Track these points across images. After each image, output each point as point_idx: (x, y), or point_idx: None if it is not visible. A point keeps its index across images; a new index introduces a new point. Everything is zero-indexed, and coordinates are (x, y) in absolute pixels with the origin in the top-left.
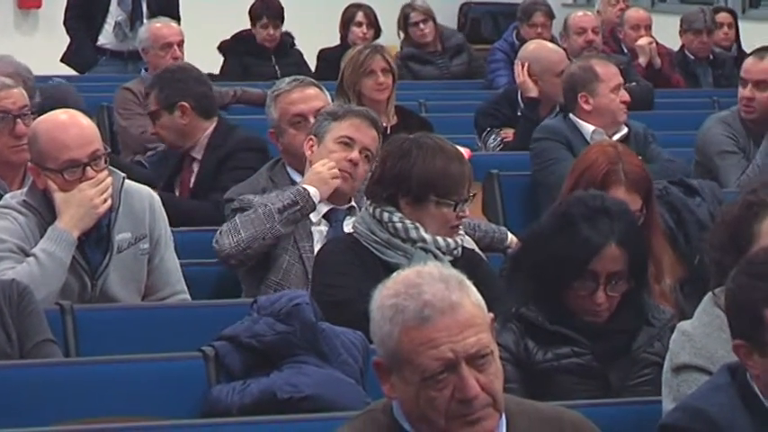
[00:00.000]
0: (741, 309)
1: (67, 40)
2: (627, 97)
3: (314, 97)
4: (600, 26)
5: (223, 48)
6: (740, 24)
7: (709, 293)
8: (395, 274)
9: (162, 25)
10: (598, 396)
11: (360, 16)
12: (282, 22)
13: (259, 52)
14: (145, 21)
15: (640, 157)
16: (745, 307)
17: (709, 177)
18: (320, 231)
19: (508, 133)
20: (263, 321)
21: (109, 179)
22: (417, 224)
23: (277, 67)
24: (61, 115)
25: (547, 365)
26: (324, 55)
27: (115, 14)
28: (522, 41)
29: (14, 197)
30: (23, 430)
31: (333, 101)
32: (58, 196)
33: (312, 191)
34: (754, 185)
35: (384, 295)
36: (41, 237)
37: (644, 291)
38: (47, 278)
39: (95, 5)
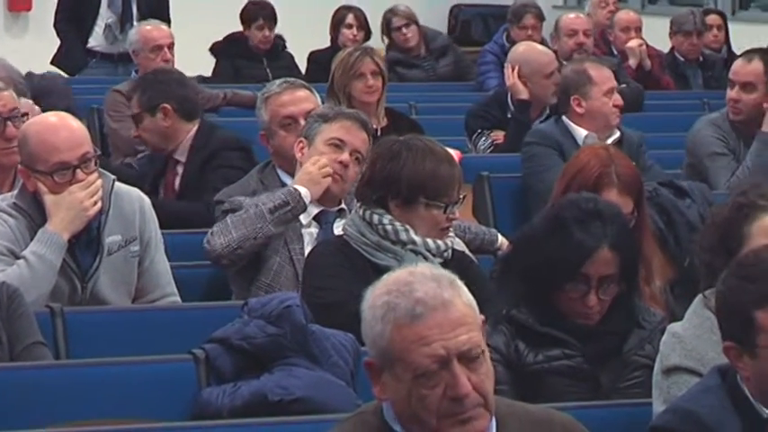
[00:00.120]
0: (731, 311)
1: (57, 42)
2: (620, 101)
3: (304, 99)
4: (591, 29)
5: (215, 50)
6: (730, 26)
7: (700, 295)
8: (385, 275)
9: (152, 28)
10: (588, 398)
11: (350, 18)
12: (276, 23)
13: (251, 55)
14: (135, 23)
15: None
16: (735, 309)
17: (699, 179)
18: (311, 233)
19: (498, 135)
20: (254, 324)
21: (99, 181)
22: (407, 226)
23: (268, 70)
24: (51, 118)
25: (537, 367)
26: (314, 57)
27: (105, 17)
28: (513, 43)
29: (4, 200)
30: None
31: (323, 103)
32: (48, 199)
33: (303, 191)
34: (744, 187)
35: (376, 294)
36: (31, 239)
37: (635, 293)
38: (37, 281)
39: (85, 8)
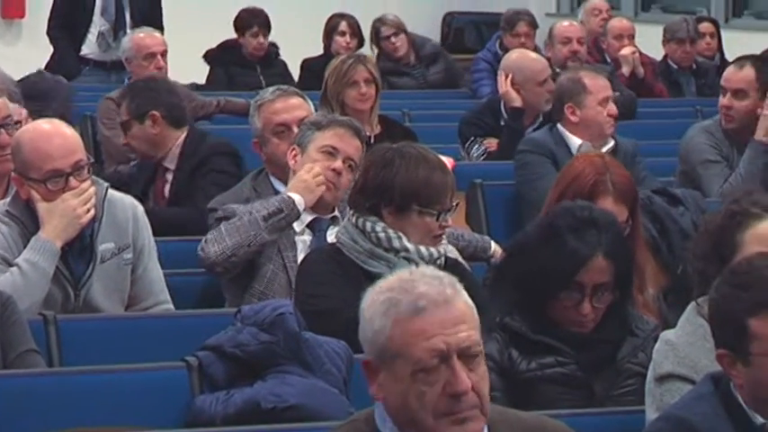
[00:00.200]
0: (724, 318)
1: (51, 49)
2: (615, 111)
3: (297, 107)
4: (585, 36)
5: (208, 57)
6: (723, 34)
7: (693, 303)
8: (381, 279)
9: (145, 35)
10: (582, 406)
11: (343, 26)
12: (270, 30)
13: (244, 62)
14: (128, 31)
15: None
16: (728, 317)
17: (692, 186)
18: (304, 241)
19: (491, 143)
20: (247, 331)
21: (92, 189)
22: (400, 234)
23: (262, 78)
24: (44, 125)
25: (531, 375)
26: (307, 65)
27: (98, 24)
28: (506, 51)
29: None
30: None
31: (316, 110)
32: (42, 206)
33: (297, 198)
34: (737, 195)
35: (376, 292)
36: (24, 247)
37: (628, 301)
38: (30, 288)
39: (79, 15)
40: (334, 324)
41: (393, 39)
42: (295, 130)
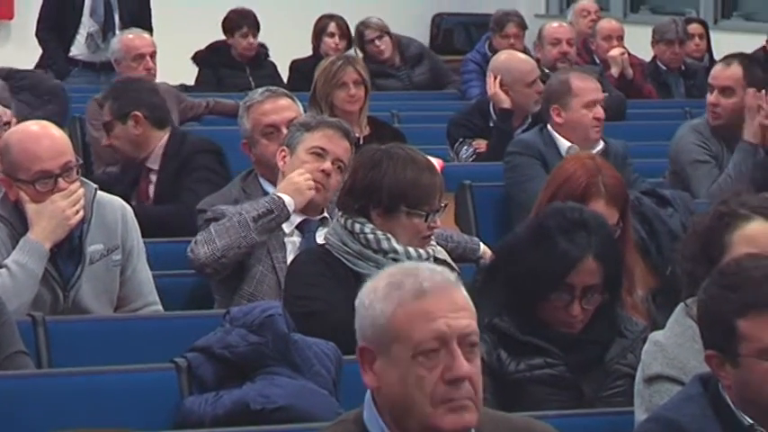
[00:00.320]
0: (713, 320)
1: (40, 51)
2: (601, 114)
3: (286, 108)
4: (574, 38)
5: (197, 58)
6: (712, 35)
7: (681, 304)
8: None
9: (134, 36)
10: (571, 407)
11: (332, 27)
12: (259, 31)
13: (233, 63)
14: (117, 32)
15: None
16: (717, 318)
17: (682, 186)
18: (293, 242)
19: (481, 144)
20: (236, 332)
21: (81, 190)
22: (389, 235)
23: (251, 79)
24: (33, 126)
25: (519, 376)
26: (296, 66)
27: (87, 25)
28: (495, 52)
29: None
30: None
31: (305, 112)
32: (30, 208)
33: (287, 199)
34: (726, 196)
35: (377, 279)
36: (13, 248)
37: (617, 303)
38: (19, 290)
39: (68, 17)
40: (323, 325)
41: (377, 42)
42: (284, 131)
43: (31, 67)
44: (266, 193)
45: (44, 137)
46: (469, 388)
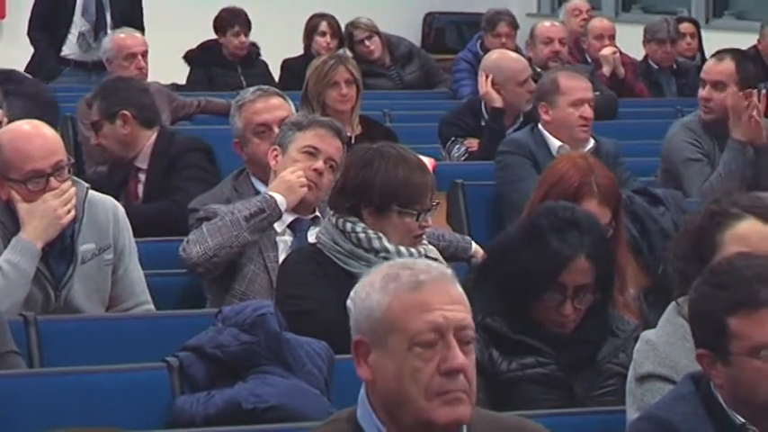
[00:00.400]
0: (704, 318)
1: (31, 50)
2: (588, 113)
3: (278, 107)
4: (566, 37)
5: (189, 58)
6: (703, 34)
7: (673, 303)
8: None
9: (126, 36)
10: (562, 406)
11: (323, 26)
12: (250, 29)
13: (225, 63)
14: (109, 31)
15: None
16: (708, 316)
17: (674, 184)
18: (285, 241)
19: (472, 143)
20: (228, 332)
21: (72, 190)
22: (380, 234)
23: (242, 78)
24: (24, 126)
25: (511, 375)
26: (287, 65)
27: (79, 25)
28: (487, 51)
29: None
30: None
31: (297, 111)
32: (22, 207)
33: (279, 198)
34: (717, 195)
35: (374, 273)
36: (5, 248)
37: (609, 302)
38: (10, 289)
39: (59, 16)
40: (314, 325)
41: (367, 42)
42: (276, 130)
43: (22, 66)
44: (258, 193)
45: (36, 136)
46: (464, 381)
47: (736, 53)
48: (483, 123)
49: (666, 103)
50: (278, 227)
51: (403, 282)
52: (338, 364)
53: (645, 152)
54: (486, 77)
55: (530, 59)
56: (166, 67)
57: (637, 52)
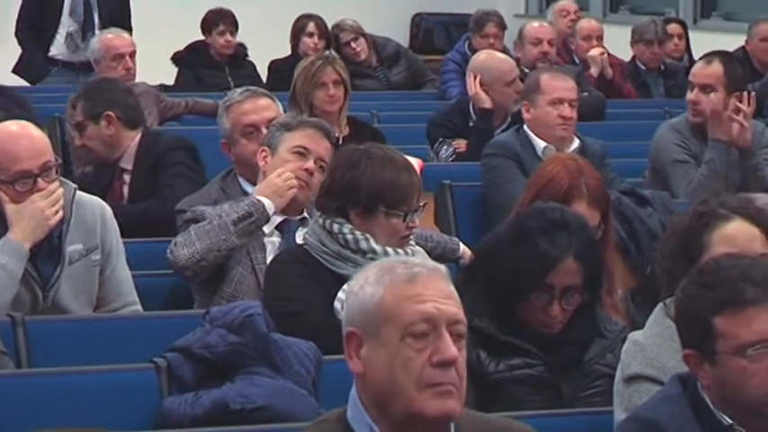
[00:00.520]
0: (691, 319)
1: (19, 50)
2: (567, 113)
3: (266, 108)
4: (555, 38)
5: (177, 59)
6: (691, 35)
7: (661, 304)
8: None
9: (114, 36)
10: (550, 407)
11: (311, 27)
12: (237, 29)
13: (212, 63)
14: (97, 31)
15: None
16: (694, 316)
17: (662, 185)
18: (273, 242)
19: (461, 144)
20: (216, 332)
21: (60, 190)
22: (367, 235)
23: (230, 79)
24: (12, 126)
25: (499, 376)
26: (275, 66)
27: (67, 25)
28: (475, 52)
29: None
30: None
31: (285, 112)
32: (10, 208)
33: (267, 202)
34: (705, 196)
35: (368, 269)
36: None
37: (597, 303)
38: None
39: (47, 16)
40: (302, 326)
41: (353, 44)
42: (264, 130)
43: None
44: (246, 193)
45: (23, 137)
46: (455, 375)
47: (724, 56)
48: (471, 124)
49: (654, 104)
50: (266, 228)
51: (397, 274)
52: (326, 365)
53: (633, 153)
54: (475, 78)
55: (518, 60)
56: (154, 67)
57: (624, 53)
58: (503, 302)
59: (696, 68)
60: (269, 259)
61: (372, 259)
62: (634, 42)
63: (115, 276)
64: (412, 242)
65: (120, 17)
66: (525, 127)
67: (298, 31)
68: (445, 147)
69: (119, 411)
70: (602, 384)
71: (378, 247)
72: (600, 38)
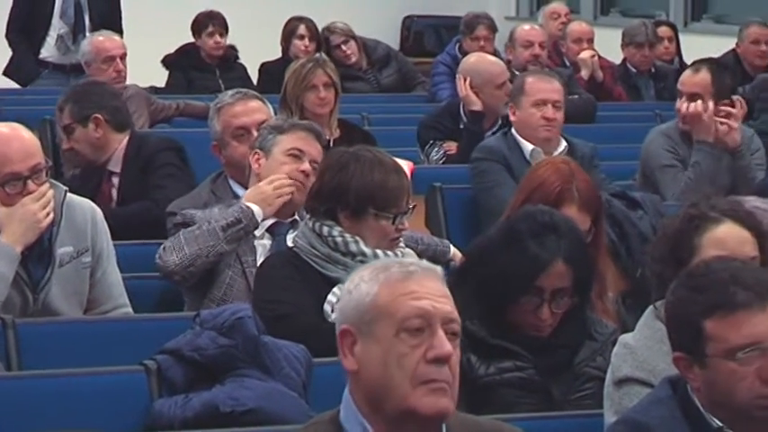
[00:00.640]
0: (681, 321)
1: (9, 53)
2: (550, 114)
3: (257, 110)
4: (546, 40)
5: (167, 61)
6: (681, 38)
7: (651, 307)
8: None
9: (104, 38)
10: (540, 410)
11: (302, 29)
12: (227, 31)
13: (203, 66)
14: (87, 34)
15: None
16: (684, 319)
17: (652, 189)
18: (263, 245)
19: (451, 146)
20: (206, 335)
21: (51, 192)
22: (357, 238)
23: (221, 81)
24: (2, 128)
25: (489, 379)
26: (266, 68)
27: (58, 27)
28: (465, 54)
29: None
30: None
31: (275, 114)
32: (1, 211)
33: (256, 209)
34: (695, 199)
35: (363, 269)
36: None
37: (587, 306)
38: None
39: (38, 18)
40: (292, 328)
41: (343, 47)
42: (254, 133)
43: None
44: (236, 195)
45: (13, 139)
46: (449, 372)
47: (711, 64)
48: (462, 126)
49: (645, 106)
50: (257, 231)
51: (393, 272)
52: (316, 367)
53: (623, 156)
54: (465, 80)
55: (509, 63)
56: (145, 70)
57: (615, 56)
58: (493, 305)
59: (684, 77)
60: (259, 262)
61: (362, 262)
62: (625, 45)
63: (106, 279)
64: (402, 244)
65: (110, 19)
66: (513, 130)
67: (288, 33)
68: (436, 149)
69: (109, 413)
70: (593, 387)
71: (367, 250)
72: (591, 40)
